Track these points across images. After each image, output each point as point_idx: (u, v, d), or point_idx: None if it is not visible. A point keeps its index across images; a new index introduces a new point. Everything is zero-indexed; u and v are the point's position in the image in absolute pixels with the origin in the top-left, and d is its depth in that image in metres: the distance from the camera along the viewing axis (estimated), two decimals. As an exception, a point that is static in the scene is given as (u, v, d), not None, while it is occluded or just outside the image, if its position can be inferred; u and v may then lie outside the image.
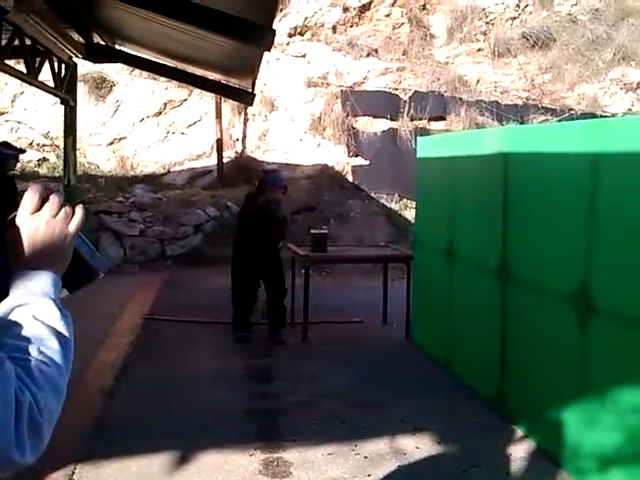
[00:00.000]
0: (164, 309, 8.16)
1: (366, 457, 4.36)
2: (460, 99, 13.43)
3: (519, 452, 4.50)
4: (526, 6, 15.04)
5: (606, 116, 12.36)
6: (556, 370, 4.38)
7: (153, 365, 6.15)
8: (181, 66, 7.59)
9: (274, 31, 4.24)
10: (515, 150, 5.01)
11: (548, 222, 4.51)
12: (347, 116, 13.40)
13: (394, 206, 12.58)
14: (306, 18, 14.56)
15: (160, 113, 14.07)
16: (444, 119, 13.51)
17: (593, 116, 12.31)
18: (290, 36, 14.43)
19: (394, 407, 5.24)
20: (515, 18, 14.90)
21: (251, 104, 8.79)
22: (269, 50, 4.52)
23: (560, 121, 11.67)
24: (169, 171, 13.60)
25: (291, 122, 13.67)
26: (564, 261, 4.29)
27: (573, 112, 13.14)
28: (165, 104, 14.09)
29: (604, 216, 3.92)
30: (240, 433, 4.68)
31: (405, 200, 12.40)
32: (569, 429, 4.20)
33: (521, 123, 12.30)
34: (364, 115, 13.55)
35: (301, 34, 14.56)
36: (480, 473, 4.23)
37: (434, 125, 13.45)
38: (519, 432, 4.79)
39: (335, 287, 9.53)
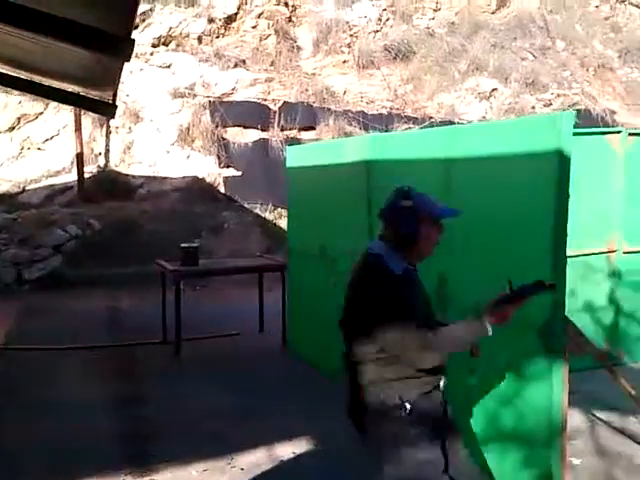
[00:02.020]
0: (21, 338, 7.66)
1: (242, 469, 4.34)
2: (328, 109, 13.70)
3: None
4: (387, 20, 15.58)
5: (462, 123, 13.00)
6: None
7: (13, 396, 5.80)
8: (37, 78, 7.27)
9: (133, 41, 4.13)
10: (376, 157, 5.19)
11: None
12: (217, 127, 13.33)
13: (268, 216, 12.63)
14: (170, 28, 14.38)
15: (13, 128, 13.36)
16: (314, 129, 13.72)
17: (451, 124, 12.91)
18: (154, 46, 14.19)
19: (272, 416, 5.24)
20: (377, 31, 15.39)
21: (113, 116, 8.52)
22: (128, 61, 4.40)
23: (422, 129, 12.15)
24: (24, 189, 12.83)
25: (157, 133, 13.42)
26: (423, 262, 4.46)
27: (433, 120, 13.72)
28: (19, 118, 13.38)
29: (459, 218, 4.11)
30: (110, 459, 4.50)
31: (279, 209, 12.47)
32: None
33: (386, 132, 12.70)
34: (234, 126, 13.53)
35: (165, 44, 14.35)
36: (352, 473, 4.33)
37: (304, 135, 13.63)
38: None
39: (210, 301, 9.42)
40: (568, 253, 3.41)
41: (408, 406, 2.60)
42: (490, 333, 2.62)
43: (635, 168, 6.20)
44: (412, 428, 2.61)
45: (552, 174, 3.28)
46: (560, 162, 3.25)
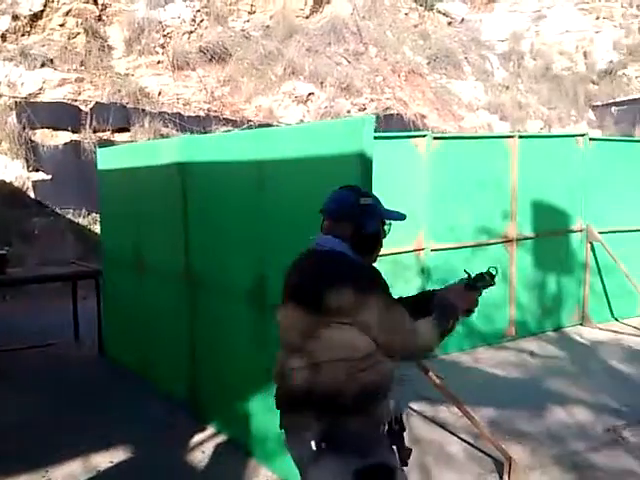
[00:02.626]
0: None
1: (57, 481, 4.21)
2: (143, 110, 13.41)
3: (212, 448, 4.68)
4: (201, 21, 15.52)
5: (281, 126, 13.28)
6: (241, 364, 4.62)
7: None
8: None
9: None
10: (190, 159, 5.20)
11: (225, 227, 4.76)
12: (24, 129, 12.59)
13: (82, 221, 12.12)
14: (-30, 24, 13.39)
15: None
16: (128, 130, 13.36)
17: (270, 126, 13.14)
18: (-48, 43, 13.14)
19: (88, 425, 5.11)
20: (192, 32, 15.29)
21: None
22: None
23: (241, 131, 12.24)
24: None
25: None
26: (241, 261, 4.56)
27: (252, 123, 13.88)
28: None
29: (272, 217, 4.24)
30: None
31: (94, 214, 12.02)
32: (255, 418, 4.48)
33: (204, 134, 12.66)
34: (43, 127, 12.84)
35: (-35, 41, 13.35)
36: (174, 474, 4.34)
37: (118, 137, 13.23)
38: (212, 429, 4.98)
39: (22, 312, 8.93)
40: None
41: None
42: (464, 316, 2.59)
43: (439, 170, 6.67)
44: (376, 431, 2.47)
45: (354, 176, 3.39)
46: (362, 164, 3.39)
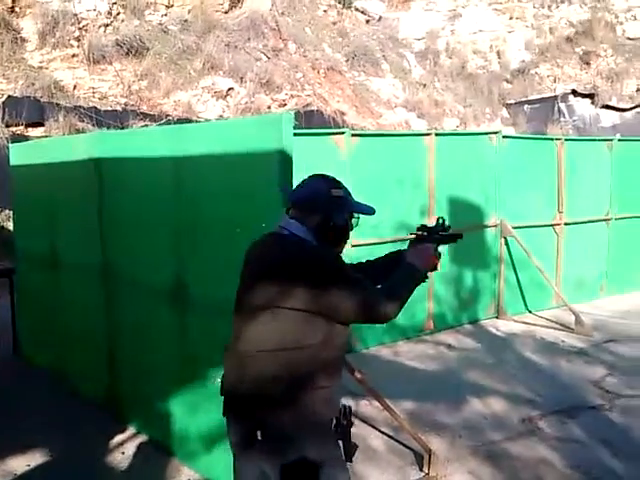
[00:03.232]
0: None
1: (-32, 489, 4.05)
2: (57, 105, 12.99)
3: (132, 449, 4.61)
4: (118, 14, 15.16)
5: (200, 122, 13.12)
6: (161, 362, 4.57)
7: None
8: None
9: None
10: (106, 155, 5.08)
11: (143, 222, 4.68)
12: None
13: (-5, 218, 11.69)
14: None
15: None
16: (42, 125, 12.93)
17: (189, 121, 12.96)
18: None
19: (5, 429, 4.95)
20: (108, 25, 14.91)
21: None
22: None
23: (159, 126, 12.04)
24: None
25: None
26: (160, 258, 4.50)
27: (170, 118, 13.66)
28: None
29: (189, 214, 4.20)
30: None
31: (7, 211, 11.58)
32: (176, 417, 4.44)
33: (122, 129, 12.38)
34: (-50, 122, 12.29)
35: None
36: (94, 475, 4.25)
37: (32, 131, 12.78)
38: (132, 429, 4.90)
39: None
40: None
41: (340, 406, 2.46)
42: (427, 279, 2.58)
43: (359, 167, 6.74)
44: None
45: (274, 173, 3.41)
46: (282, 161, 3.39)
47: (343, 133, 6.80)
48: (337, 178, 2.59)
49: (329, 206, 2.47)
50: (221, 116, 14.62)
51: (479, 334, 7.71)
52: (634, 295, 9.56)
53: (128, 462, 4.47)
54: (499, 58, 23.69)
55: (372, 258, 2.84)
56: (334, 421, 2.47)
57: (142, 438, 4.78)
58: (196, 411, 4.20)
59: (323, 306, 2.29)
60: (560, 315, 8.27)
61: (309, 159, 5.76)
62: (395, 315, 2.39)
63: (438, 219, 2.70)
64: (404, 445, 4.65)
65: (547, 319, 8.26)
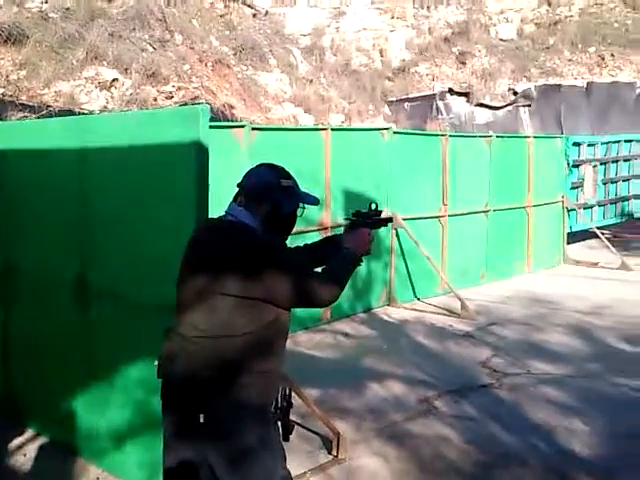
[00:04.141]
0: None
1: None
2: None
3: (33, 451, 4.48)
4: (-6, 0, 14.45)
5: (84, 113, 12.72)
6: (64, 360, 4.45)
7: None
8: None
9: None
10: (5, 147, 4.90)
11: (47, 216, 4.55)
12: None
13: None
14: None
15: None
16: None
17: (71, 113, 12.52)
18: None
19: None
20: (-16, 11, 14.17)
21: None
22: None
23: (39, 118, 11.59)
24: None
25: None
26: (64, 251, 4.40)
27: (51, 109, 13.15)
28: None
29: (95, 206, 4.14)
30: None
31: None
32: (81, 416, 4.33)
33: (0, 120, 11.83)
34: None
35: None
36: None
37: None
38: (31, 431, 4.75)
39: None
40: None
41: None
42: (362, 262, 2.67)
43: (257, 160, 6.71)
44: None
45: (190, 166, 3.41)
46: (198, 154, 3.39)
47: (243, 126, 6.87)
48: (285, 168, 2.69)
49: (279, 196, 2.55)
50: (105, 107, 14.24)
51: (373, 322, 8.00)
52: (511, 281, 10.22)
53: (31, 464, 4.34)
54: (382, 56, 24.37)
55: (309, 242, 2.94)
56: (273, 403, 2.57)
57: (43, 439, 4.63)
58: (102, 408, 4.12)
59: (262, 292, 2.36)
60: (446, 301, 8.72)
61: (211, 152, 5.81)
62: (335, 299, 2.51)
63: (370, 204, 2.83)
64: (311, 431, 4.79)
65: (435, 306, 8.67)
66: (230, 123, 8.28)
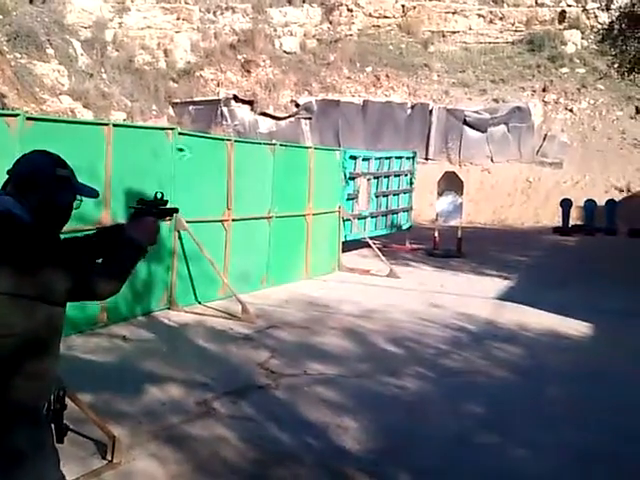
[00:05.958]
0: None
1: None
2: None
3: None
4: None
5: None
6: None
7: None
8: None
9: None
10: None
11: None
12: None
13: None
14: None
15: None
16: None
17: None
18: None
19: None
20: None
21: None
22: None
23: None
24: None
25: None
26: None
27: None
28: None
29: None
30: None
31: None
32: None
33: None
34: None
35: None
36: None
37: None
38: None
39: None
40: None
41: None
42: (148, 250, 2.50)
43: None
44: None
45: None
46: None
47: (17, 115, 6.41)
48: (61, 157, 2.47)
49: (53, 186, 2.36)
50: None
51: (153, 325, 7.84)
52: (290, 286, 10.55)
53: None
54: (166, 57, 24.03)
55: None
56: (46, 405, 2.42)
57: None
58: None
59: (35, 288, 2.21)
60: (227, 305, 8.77)
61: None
62: (116, 291, 2.41)
63: (156, 193, 2.73)
64: (85, 436, 4.57)
65: (215, 309, 8.69)
66: (2, 111, 7.68)
